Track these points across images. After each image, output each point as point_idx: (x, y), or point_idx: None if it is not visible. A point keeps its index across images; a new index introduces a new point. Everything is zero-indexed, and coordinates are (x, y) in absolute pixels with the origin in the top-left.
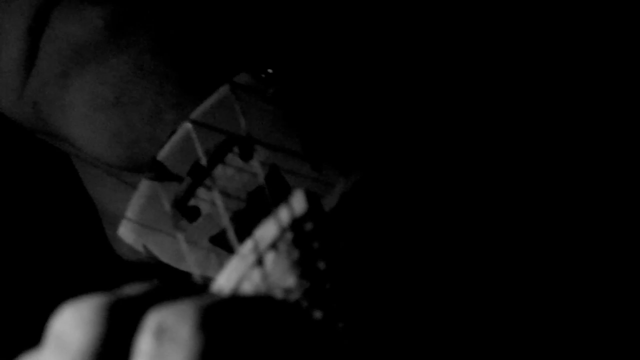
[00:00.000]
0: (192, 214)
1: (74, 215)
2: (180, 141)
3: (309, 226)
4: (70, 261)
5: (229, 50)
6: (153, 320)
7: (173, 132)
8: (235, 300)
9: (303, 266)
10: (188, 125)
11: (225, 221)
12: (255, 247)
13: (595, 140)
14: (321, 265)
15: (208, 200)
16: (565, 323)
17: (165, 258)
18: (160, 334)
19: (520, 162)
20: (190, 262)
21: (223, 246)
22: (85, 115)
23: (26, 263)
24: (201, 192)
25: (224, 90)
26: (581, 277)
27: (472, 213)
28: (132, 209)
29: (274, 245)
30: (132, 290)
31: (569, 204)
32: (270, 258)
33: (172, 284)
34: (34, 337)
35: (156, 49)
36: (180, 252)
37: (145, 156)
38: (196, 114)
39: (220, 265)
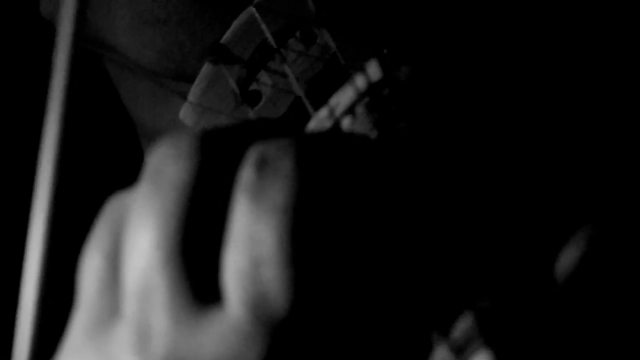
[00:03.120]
0: (254, 98)
1: (111, 133)
2: (243, 25)
3: (386, 91)
4: (107, 176)
5: None
6: (255, 152)
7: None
8: (332, 136)
9: (382, 127)
10: (252, 9)
11: (299, 90)
12: (331, 113)
13: (595, 140)
14: (401, 125)
15: (269, 84)
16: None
17: None
18: (263, 165)
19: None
20: None
21: None
22: (133, 27)
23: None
24: (263, 75)
25: None
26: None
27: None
28: (194, 92)
29: (350, 110)
30: (228, 126)
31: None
32: (346, 122)
33: (268, 122)
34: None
35: None
36: None
37: (193, 70)
38: None
39: None
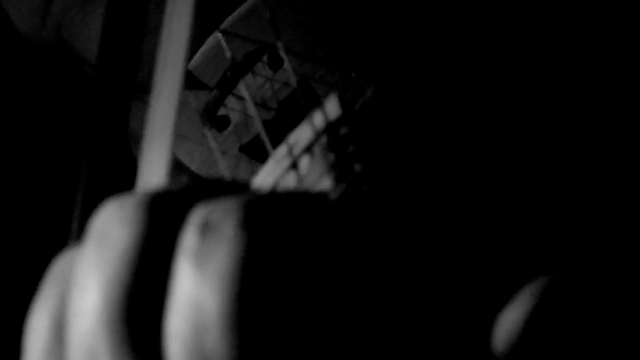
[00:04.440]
0: (222, 123)
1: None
2: (209, 50)
3: (344, 130)
4: (98, 180)
5: None
6: (198, 215)
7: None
8: (281, 196)
9: (339, 169)
10: (218, 35)
11: (258, 126)
12: (290, 151)
13: (595, 141)
14: (357, 167)
15: (237, 109)
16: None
17: (194, 166)
18: (205, 229)
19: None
20: (222, 169)
21: (253, 155)
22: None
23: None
24: (231, 101)
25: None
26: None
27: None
28: None
29: (308, 149)
30: (174, 187)
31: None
32: (305, 162)
33: (213, 181)
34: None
35: None
36: (209, 160)
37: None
38: (226, 23)
39: (250, 173)
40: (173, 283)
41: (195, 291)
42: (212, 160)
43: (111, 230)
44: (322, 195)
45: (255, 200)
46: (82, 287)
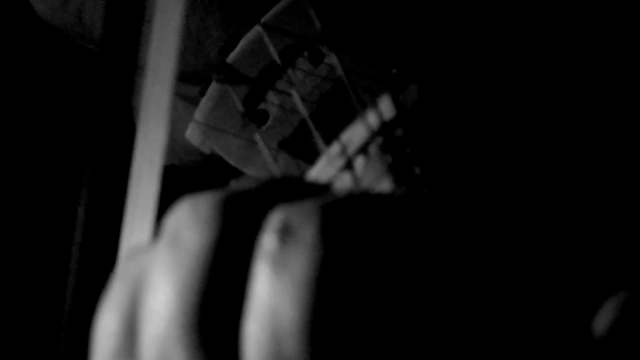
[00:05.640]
0: (261, 118)
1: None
2: (250, 44)
3: (399, 131)
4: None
5: None
6: (278, 217)
7: (233, 36)
8: (358, 199)
9: (397, 171)
10: (259, 28)
11: (307, 120)
12: (343, 150)
13: (595, 141)
14: (417, 170)
15: (277, 104)
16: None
17: (232, 160)
18: (285, 233)
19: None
20: (267, 162)
21: (291, 151)
22: None
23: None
24: (270, 95)
25: None
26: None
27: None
28: (201, 111)
29: (363, 149)
30: (248, 186)
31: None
32: (360, 162)
33: (289, 181)
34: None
35: None
36: (247, 154)
37: (191, 68)
38: (267, 17)
39: (288, 169)
40: (250, 288)
41: (274, 298)
42: (250, 154)
43: (186, 231)
44: (398, 199)
45: (334, 204)
46: (157, 288)
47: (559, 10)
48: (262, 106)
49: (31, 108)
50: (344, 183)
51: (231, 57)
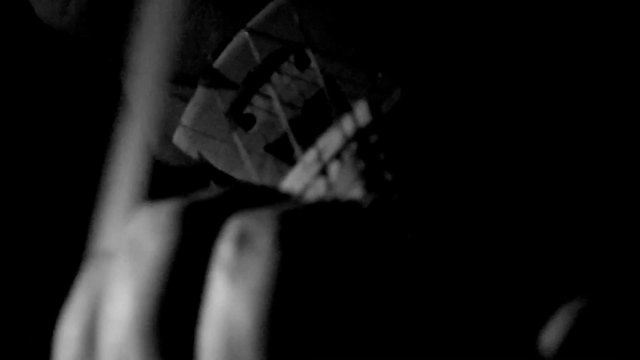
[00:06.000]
0: (247, 122)
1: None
2: (236, 49)
3: (373, 137)
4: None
5: None
6: (234, 226)
7: (227, 40)
8: (316, 208)
9: (369, 177)
10: (244, 34)
11: (285, 127)
12: (319, 157)
13: (595, 140)
14: (388, 176)
15: (263, 108)
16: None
17: (219, 165)
18: (242, 242)
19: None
20: (248, 169)
21: (278, 154)
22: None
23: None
24: (257, 100)
25: None
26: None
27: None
28: (187, 116)
29: (338, 155)
30: (208, 195)
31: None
32: (334, 168)
33: (247, 189)
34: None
35: None
36: (234, 159)
37: (189, 71)
38: (253, 22)
39: (275, 173)
40: (207, 296)
41: (229, 306)
42: (237, 159)
43: (144, 239)
44: (356, 207)
45: (291, 212)
46: (115, 296)
47: (547, 13)
48: (248, 110)
49: (31, 108)
50: (318, 189)
51: (217, 62)
